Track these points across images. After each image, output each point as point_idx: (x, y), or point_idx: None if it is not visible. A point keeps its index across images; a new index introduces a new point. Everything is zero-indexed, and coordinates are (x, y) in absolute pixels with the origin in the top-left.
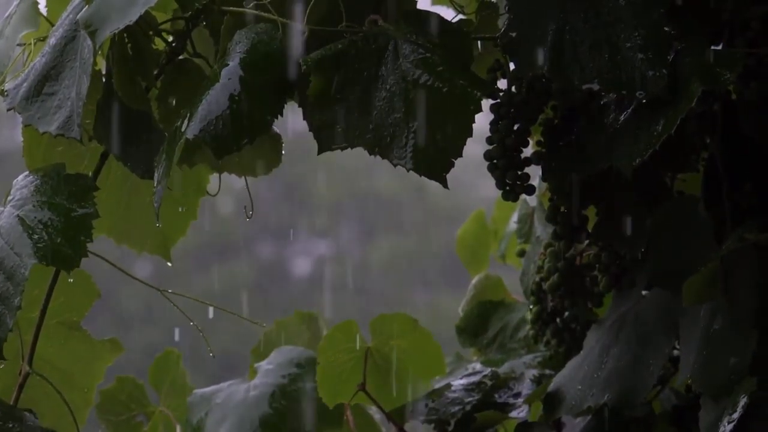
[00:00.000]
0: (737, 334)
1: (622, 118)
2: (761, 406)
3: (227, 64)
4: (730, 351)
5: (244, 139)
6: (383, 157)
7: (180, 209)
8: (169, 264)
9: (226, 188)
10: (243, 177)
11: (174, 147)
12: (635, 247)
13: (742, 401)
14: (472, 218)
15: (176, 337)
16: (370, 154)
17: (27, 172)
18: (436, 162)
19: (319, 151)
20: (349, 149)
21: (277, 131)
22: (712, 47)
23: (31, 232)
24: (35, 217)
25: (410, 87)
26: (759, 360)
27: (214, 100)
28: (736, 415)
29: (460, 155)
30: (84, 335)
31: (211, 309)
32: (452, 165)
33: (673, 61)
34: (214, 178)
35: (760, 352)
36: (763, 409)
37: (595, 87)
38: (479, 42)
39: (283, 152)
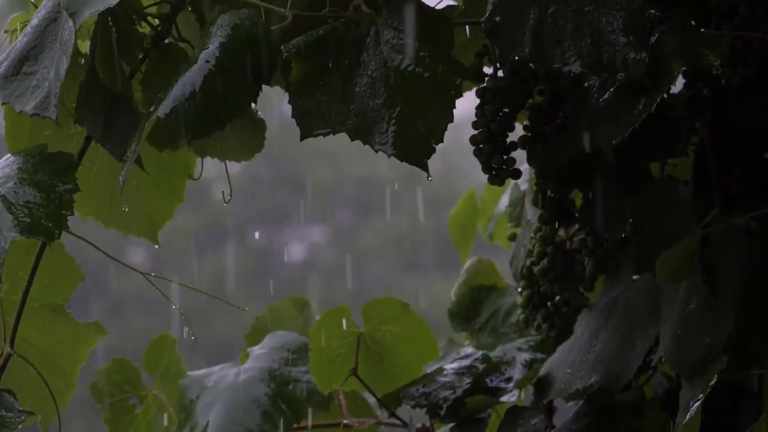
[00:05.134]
0: (713, 314)
1: (604, 99)
2: (741, 389)
3: (207, 47)
4: (705, 331)
5: (215, 123)
6: (365, 143)
7: (166, 192)
8: (156, 246)
9: (223, 173)
10: (237, 162)
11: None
12: (616, 231)
13: (710, 381)
14: (463, 199)
15: (173, 323)
16: (352, 140)
17: (9, 155)
18: (417, 148)
19: (302, 138)
20: (339, 135)
21: (261, 116)
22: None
23: (12, 207)
24: (16, 194)
25: (391, 73)
26: (740, 342)
27: (188, 82)
28: (702, 395)
29: (441, 141)
30: (67, 318)
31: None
32: (433, 151)
33: (656, 42)
34: (210, 162)
35: (741, 335)
36: (742, 393)
37: (576, 70)
38: (467, 27)
39: (279, 137)
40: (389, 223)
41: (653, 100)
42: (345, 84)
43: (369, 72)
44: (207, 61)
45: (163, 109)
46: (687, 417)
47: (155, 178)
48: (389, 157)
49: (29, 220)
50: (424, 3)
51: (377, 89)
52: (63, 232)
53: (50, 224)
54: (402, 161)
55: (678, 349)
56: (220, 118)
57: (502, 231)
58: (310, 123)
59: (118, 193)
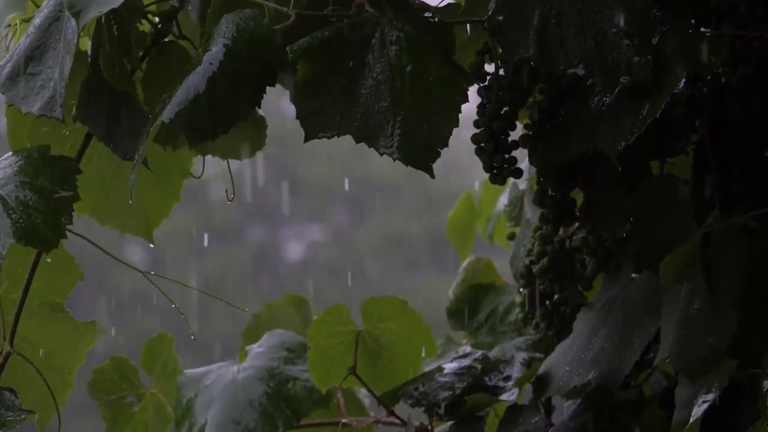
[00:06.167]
0: (716, 314)
1: (606, 100)
2: (740, 388)
3: (210, 49)
4: (709, 331)
5: (219, 128)
6: (369, 146)
7: (163, 191)
8: (152, 245)
9: (220, 172)
10: (233, 161)
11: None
12: (616, 230)
13: (723, 383)
14: (461, 201)
15: (172, 322)
16: (357, 143)
17: (11, 152)
18: (422, 152)
19: (306, 139)
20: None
21: (262, 114)
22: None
23: (11, 211)
24: (16, 197)
25: (396, 75)
26: (740, 342)
27: (192, 85)
28: (711, 396)
29: (446, 145)
30: (66, 317)
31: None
32: (438, 155)
33: (658, 43)
34: (207, 161)
35: (741, 335)
36: (742, 392)
37: (580, 72)
38: (468, 25)
39: (277, 136)
40: (388, 221)
41: (658, 103)
42: (350, 86)
43: (374, 74)
44: (210, 64)
45: (167, 114)
46: (692, 418)
47: (152, 177)
48: (394, 160)
49: (27, 227)
50: (428, 5)
51: (382, 92)
52: None
53: (48, 233)
54: (407, 165)
55: (682, 349)
56: (224, 123)
57: (502, 231)
58: (314, 124)
59: (115, 191)
